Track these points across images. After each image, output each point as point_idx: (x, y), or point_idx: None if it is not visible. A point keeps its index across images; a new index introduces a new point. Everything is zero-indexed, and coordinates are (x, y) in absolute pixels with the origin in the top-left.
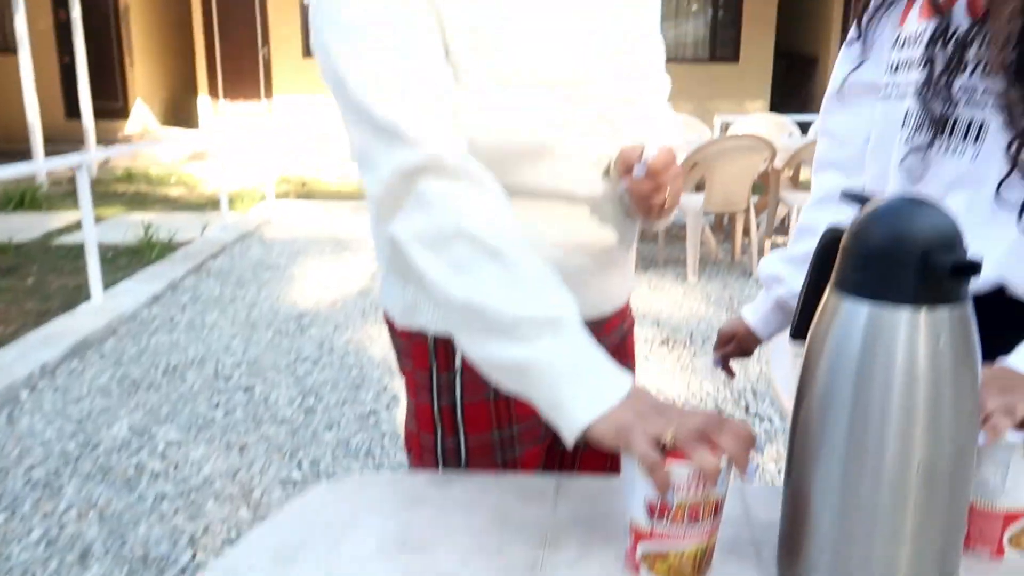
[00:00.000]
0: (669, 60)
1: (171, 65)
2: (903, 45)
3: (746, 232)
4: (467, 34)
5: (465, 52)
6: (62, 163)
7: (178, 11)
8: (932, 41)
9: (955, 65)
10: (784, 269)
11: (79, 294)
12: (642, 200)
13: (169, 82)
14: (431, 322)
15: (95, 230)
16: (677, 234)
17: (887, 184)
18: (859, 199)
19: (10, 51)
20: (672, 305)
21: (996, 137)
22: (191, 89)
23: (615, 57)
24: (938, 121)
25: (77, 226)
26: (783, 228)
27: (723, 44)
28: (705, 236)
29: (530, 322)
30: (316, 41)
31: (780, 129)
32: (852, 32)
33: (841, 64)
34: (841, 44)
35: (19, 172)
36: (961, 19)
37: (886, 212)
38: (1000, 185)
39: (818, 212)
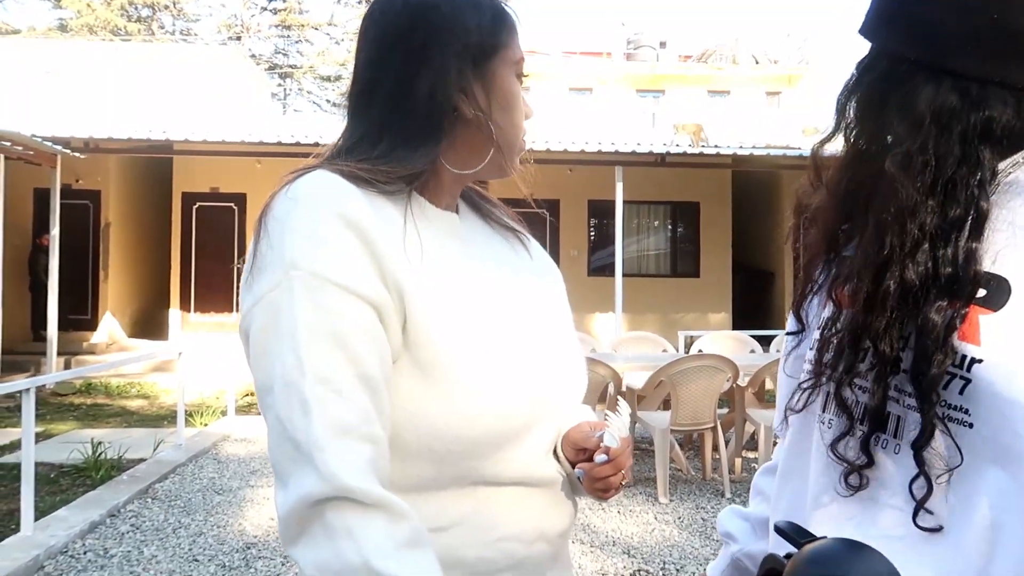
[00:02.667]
0: (633, 275)
1: (144, 278)
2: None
3: (715, 448)
4: (440, 328)
5: (438, 346)
6: (7, 388)
7: (159, 228)
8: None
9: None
10: (738, 527)
11: (9, 521)
12: (600, 483)
13: (141, 294)
14: None
15: (37, 451)
16: (646, 450)
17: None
18: (792, 538)
19: None
20: (643, 530)
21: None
22: (163, 302)
23: (564, 350)
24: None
25: (20, 444)
26: (753, 444)
27: (684, 260)
28: (675, 453)
29: None
30: (247, 331)
31: (743, 346)
32: (791, 323)
33: (784, 349)
34: (795, 262)
35: None
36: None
37: (822, 559)
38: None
39: (768, 479)
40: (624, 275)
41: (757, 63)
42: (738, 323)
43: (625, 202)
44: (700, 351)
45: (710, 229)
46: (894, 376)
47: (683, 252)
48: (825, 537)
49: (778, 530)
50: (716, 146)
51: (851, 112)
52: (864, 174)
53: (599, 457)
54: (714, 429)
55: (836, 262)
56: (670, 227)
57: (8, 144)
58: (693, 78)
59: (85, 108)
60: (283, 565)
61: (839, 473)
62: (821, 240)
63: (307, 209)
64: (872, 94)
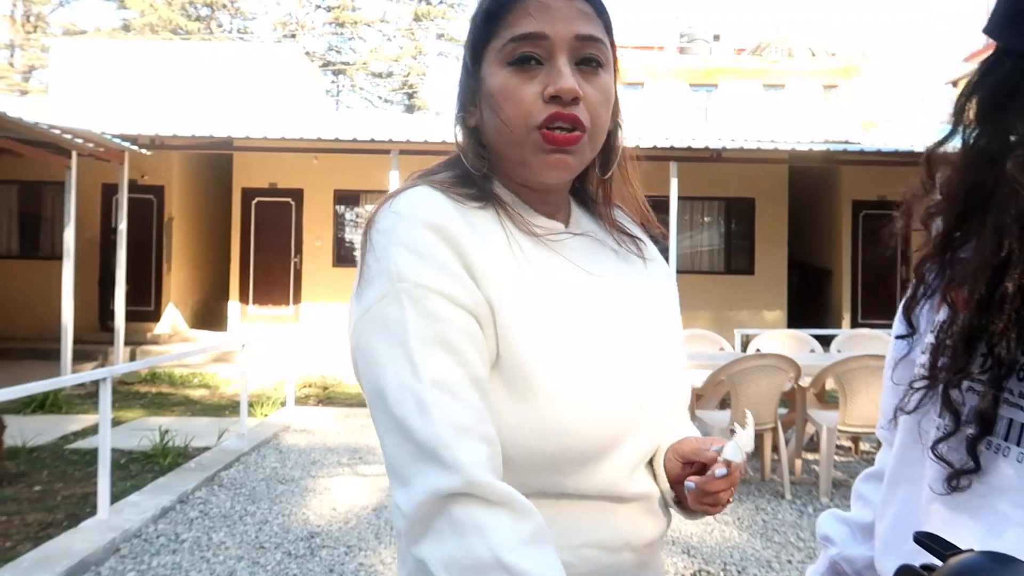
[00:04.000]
0: (687, 272)
1: (206, 271)
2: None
3: (775, 449)
4: (529, 343)
5: (526, 361)
6: (85, 377)
7: (219, 223)
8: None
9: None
10: (837, 531)
11: (85, 504)
12: (710, 497)
13: (202, 287)
14: None
15: (100, 442)
16: None
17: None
18: (936, 549)
19: (56, 258)
20: (703, 530)
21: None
22: (222, 294)
23: (665, 364)
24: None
25: (94, 430)
26: (813, 445)
27: (738, 257)
28: None
29: None
30: (358, 340)
31: (802, 345)
32: (899, 326)
33: (890, 353)
34: (852, 258)
35: (44, 387)
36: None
37: (971, 572)
38: None
39: (872, 485)
40: (678, 271)
41: (814, 55)
42: (793, 321)
43: (680, 198)
44: (758, 350)
45: (765, 225)
46: (1008, 380)
47: (737, 249)
48: (971, 550)
49: (919, 541)
50: (773, 141)
51: (971, 112)
52: (983, 175)
53: (719, 471)
54: (775, 430)
55: (951, 264)
56: (724, 223)
57: (80, 141)
58: (747, 71)
59: (149, 106)
60: (346, 555)
61: (943, 476)
62: (935, 242)
63: (408, 223)
64: (996, 94)
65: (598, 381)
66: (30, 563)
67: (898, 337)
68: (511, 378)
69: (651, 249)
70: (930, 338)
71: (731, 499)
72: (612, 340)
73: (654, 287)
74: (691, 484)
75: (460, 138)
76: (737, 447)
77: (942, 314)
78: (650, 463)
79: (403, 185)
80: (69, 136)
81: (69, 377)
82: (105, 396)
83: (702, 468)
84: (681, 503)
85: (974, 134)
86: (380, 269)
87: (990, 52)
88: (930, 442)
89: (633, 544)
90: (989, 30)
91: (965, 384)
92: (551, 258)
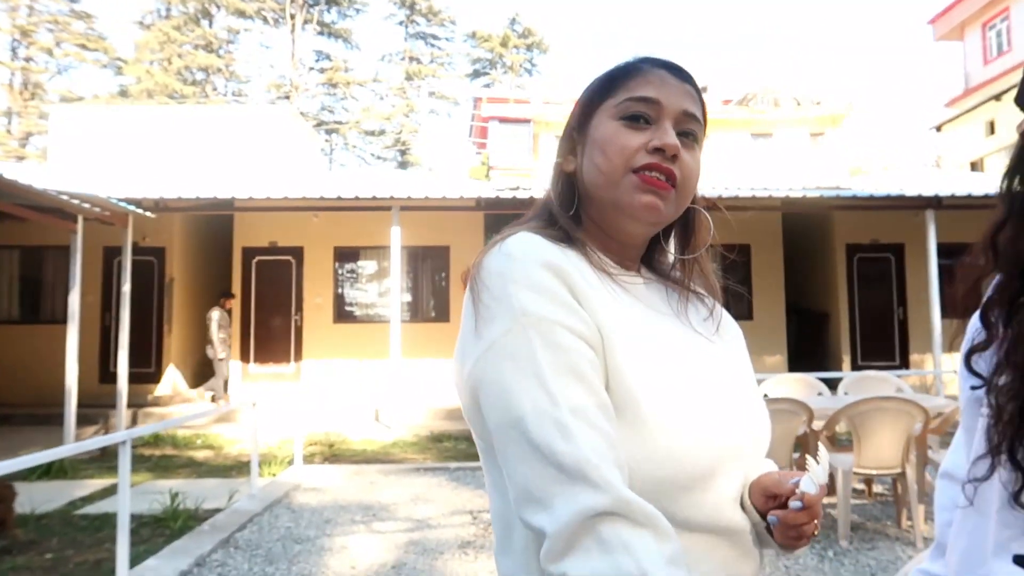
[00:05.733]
0: None
1: (206, 331)
2: None
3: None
4: (636, 371)
5: (633, 388)
6: (105, 441)
7: (219, 282)
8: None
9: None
10: None
11: (98, 571)
12: (793, 530)
13: (202, 347)
14: None
15: (113, 501)
16: None
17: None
18: None
19: (57, 322)
20: None
21: None
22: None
23: (751, 402)
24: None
25: (101, 495)
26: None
27: (736, 303)
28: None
29: None
30: (482, 375)
31: (809, 388)
32: (965, 375)
33: (966, 402)
34: (849, 301)
35: (64, 453)
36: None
37: None
38: None
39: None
40: None
41: (799, 105)
42: (793, 365)
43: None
44: (766, 395)
45: (762, 271)
46: None
47: (735, 294)
48: None
49: (1017, 560)
50: (766, 188)
51: (1017, 183)
52: None
53: (794, 504)
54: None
55: (1016, 319)
56: (721, 270)
57: (87, 206)
58: (735, 122)
59: (148, 169)
60: None
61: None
62: (999, 291)
63: (522, 263)
64: None
65: (699, 409)
66: None
67: (973, 388)
68: (620, 405)
69: (718, 307)
70: (992, 399)
71: (816, 532)
72: (705, 374)
73: (728, 337)
74: (774, 518)
75: (552, 184)
76: (811, 480)
77: (1005, 377)
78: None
79: (504, 234)
80: (76, 201)
81: (89, 442)
82: (124, 460)
83: (784, 503)
84: (773, 536)
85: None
86: (500, 307)
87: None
88: (1009, 493)
89: None
90: (1021, 101)
91: None
92: (634, 301)
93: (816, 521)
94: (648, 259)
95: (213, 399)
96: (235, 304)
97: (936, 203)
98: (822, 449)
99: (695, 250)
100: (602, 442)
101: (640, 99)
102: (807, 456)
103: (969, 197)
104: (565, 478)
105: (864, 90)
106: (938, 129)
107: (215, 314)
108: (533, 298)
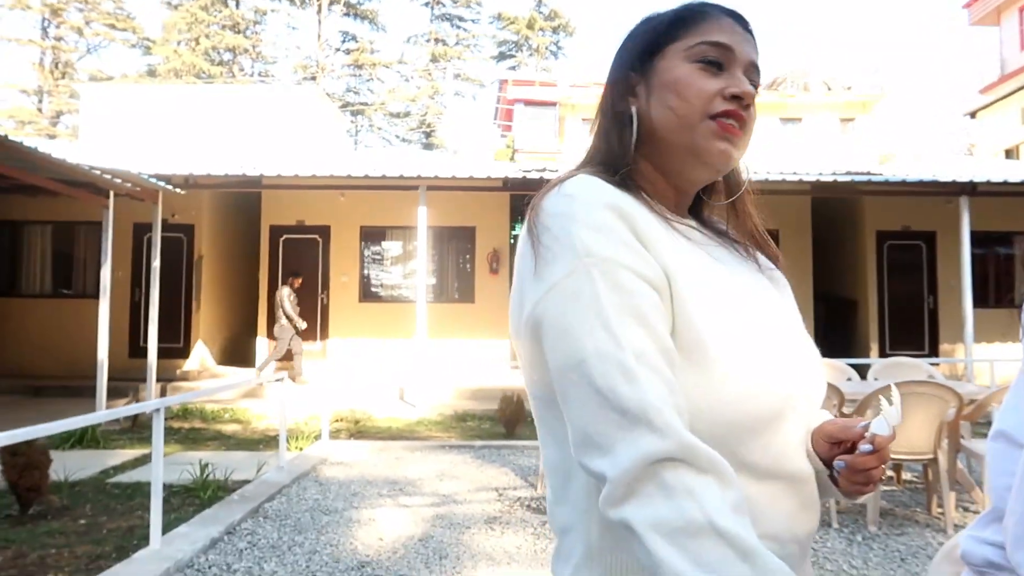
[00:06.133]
0: None
1: (234, 308)
2: None
3: None
4: (702, 312)
5: (701, 329)
6: (139, 408)
7: (247, 260)
8: None
9: None
10: (998, 555)
11: (132, 537)
12: (861, 475)
13: (230, 324)
14: None
15: (145, 471)
16: None
17: None
18: None
19: (88, 296)
20: None
21: None
22: (250, 331)
23: (809, 349)
24: None
25: (132, 464)
26: None
27: None
28: None
29: None
30: (542, 317)
31: (839, 374)
32: None
33: None
34: (878, 288)
35: (98, 419)
36: None
37: None
38: None
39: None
40: None
41: (830, 90)
42: (821, 352)
43: None
44: None
45: (790, 257)
46: None
47: None
48: None
49: None
50: (796, 172)
51: None
52: None
53: (864, 447)
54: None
55: None
56: None
57: (119, 181)
58: (764, 106)
59: (177, 147)
60: None
61: None
62: None
63: (585, 204)
64: None
65: (765, 352)
66: None
67: None
68: (689, 348)
69: (761, 257)
70: None
71: (883, 477)
72: (766, 319)
73: (780, 285)
74: (841, 463)
75: (606, 128)
76: (885, 421)
77: None
78: None
79: (561, 176)
80: (108, 176)
81: (123, 409)
82: (158, 427)
83: (851, 448)
84: (836, 484)
85: None
86: (563, 248)
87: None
88: None
89: (798, 535)
90: None
91: None
92: (693, 246)
93: (884, 465)
94: (693, 208)
95: (292, 377)
96: (263, 282)
97: (971, 189)
98: (895, 390)
99: (735, 191)
100: (664, 387)
101: (714, 44)
102: (880, 396)
103: (1005, 184)
104: (627, 422)
105: (896, 76)
106: (972, 116)
107: (285, 292)
108: (596, 238)
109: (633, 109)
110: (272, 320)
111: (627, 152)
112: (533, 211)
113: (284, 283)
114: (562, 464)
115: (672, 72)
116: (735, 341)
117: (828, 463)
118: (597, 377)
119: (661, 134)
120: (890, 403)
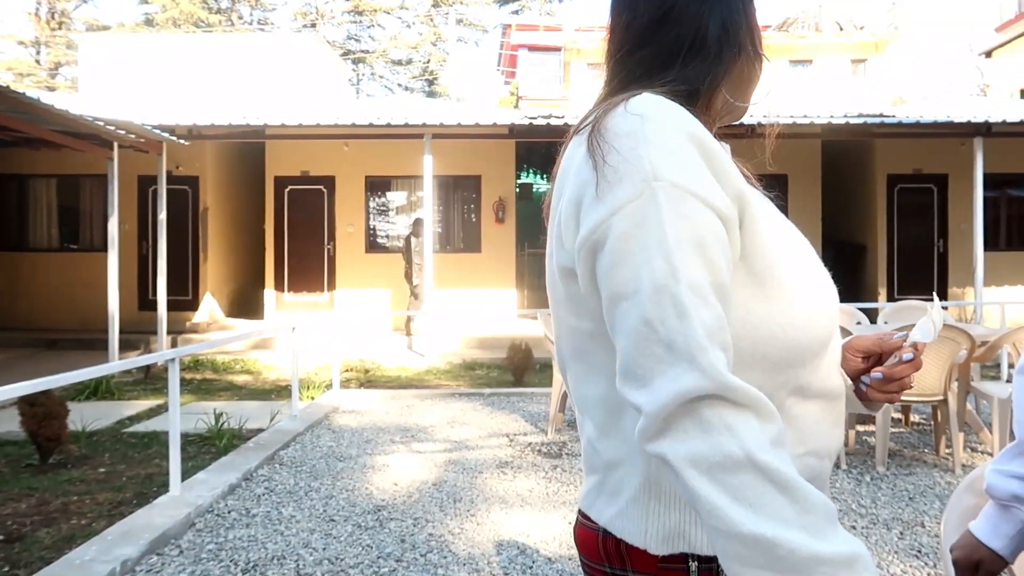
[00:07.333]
0: None
1: (241, 260)
2: None
3: None
4: (776, 240)
5: (775, 256)
6: (154, 358)
7: (252, 211)
8: None
9: None
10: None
11: (151, 484)
12: (896, 384)
13: (237, 275)
14: (699, 548)
15: (160, 421)
16: None
17: None
18: None
19: (96, 250)
20: None
21: None
22: (258, 282)
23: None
24: None
25: (148, 415)
26: (863, 418)
27: None
28: None
29: (828, 561)
30: (602, 240)
31: (849, 317)
32: None
33: None
34: (888, 232)
35: (114, 368)
36: None
37: None
38: None
39: None
40: None
41: (841, 30)
42: None
43: None
44: None
45: (799, 202)
46: None
47: None
48: None
49: None
50: (806, 115)
51: None
52: None
53: (906, 355)
54: None
55: None
56: None
57: (123, 133)
58: (774, 48)
59: (178, 97)
60: (414, 526)
61: None
62: None
63: (656, 124)
64: None
65: (820, 276)
66: (114, 537)
67: None
68: (758, 273)
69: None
70: None
71: (912, 384)
72: (806, 244)
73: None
74: (878, 374)
75: (696, 48)
76: (928, 328)
77: None
78: None
79: (628, 94)
80: (111, 127)
81: (139, 359)
82: (174, 376)
83: (878, 360)
84: (861, 398)
85: None
86: (630, 169)
87: None
88: None
89: (831, 451)
90: None
91: None
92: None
93: (915, 372)
94: None
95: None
96: (268, 233)
97: (986, 130)
98: (937, 301)
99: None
100: (715, 323)
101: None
102: (927, 306)
103: (1022, 123)
104: (671, 357)
105: (911, 13)
106: (988, 55)
107: (413, 240)
108: (668, 161)
109: (747, 45)
110: (409, 271)
111: (716, 81)
112: (597, 130)
113: (411, 233)
114: (611, 397)
115: (759, 28)
116: (799, 267)
117: (856, 375)
118: (649, 309)
119: (729, 92)
120: (932, 310)
